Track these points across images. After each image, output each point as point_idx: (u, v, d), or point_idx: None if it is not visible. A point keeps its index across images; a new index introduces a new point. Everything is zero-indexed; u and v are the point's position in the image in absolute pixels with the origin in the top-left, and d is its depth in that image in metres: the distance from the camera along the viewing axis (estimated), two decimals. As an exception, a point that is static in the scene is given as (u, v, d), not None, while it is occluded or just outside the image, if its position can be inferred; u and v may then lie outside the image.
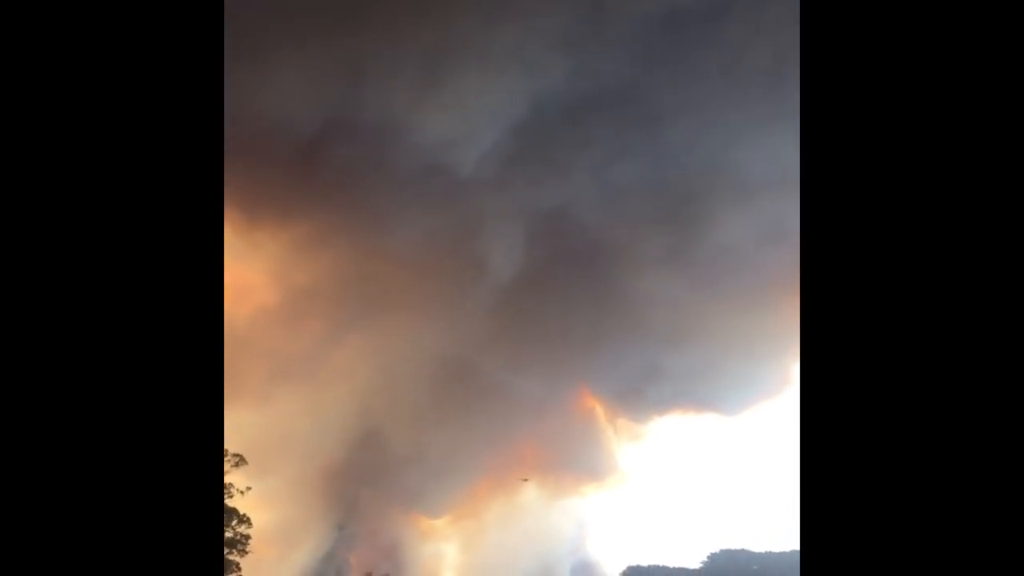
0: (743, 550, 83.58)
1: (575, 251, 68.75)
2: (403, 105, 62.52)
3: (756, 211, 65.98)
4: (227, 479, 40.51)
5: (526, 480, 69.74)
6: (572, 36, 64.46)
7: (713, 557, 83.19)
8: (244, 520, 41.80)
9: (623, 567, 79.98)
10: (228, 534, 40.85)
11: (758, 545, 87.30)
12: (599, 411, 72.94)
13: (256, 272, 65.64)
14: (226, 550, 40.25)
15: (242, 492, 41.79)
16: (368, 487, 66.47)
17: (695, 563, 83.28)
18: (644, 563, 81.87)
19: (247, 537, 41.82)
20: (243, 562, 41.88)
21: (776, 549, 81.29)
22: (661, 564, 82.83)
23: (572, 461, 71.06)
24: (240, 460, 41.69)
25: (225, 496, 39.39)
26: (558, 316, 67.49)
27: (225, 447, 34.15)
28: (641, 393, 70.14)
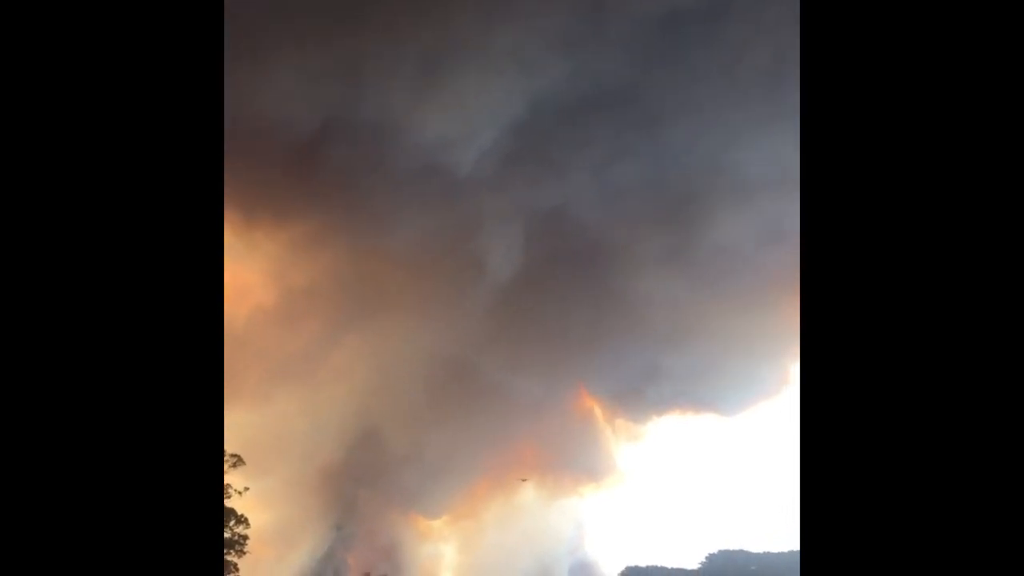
0: (741, 550, 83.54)
1: (574, 251, 68.75)
2: (402, 105, 62.55)
3: (755, 211, 66.04)
4: (225, 479, 40.46)
5: (525, 480, 69.75)
6: (571, 36, 64.52)
7: (711, 557, 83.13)
8: (242, 520, 41.77)
9: (621, 567, 79.91)
10: (226, 535, 40.81)
11: (756, 545, 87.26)
12: (597, 411, 72.97)
13: (254, 272, 65.62)
14: (224, 551, 40.23)
15: (240, 492, 41.74)
16: (366, 487, 66.47)
17: (693, 563, 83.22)
18: (642, 563, 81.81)
19: (245, 538, 41.79)
20: (241, 563, 41.85)
21: (775, 549, 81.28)
22: (659, 564, 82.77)
23: (570, 461, 71.08)
24: (238, 460, 41.65)
25: (223, 496, 39.31)
26: (557, 316, 67.51)
27: (223, 447, 34.00)
28: (640, 393, 70.15)
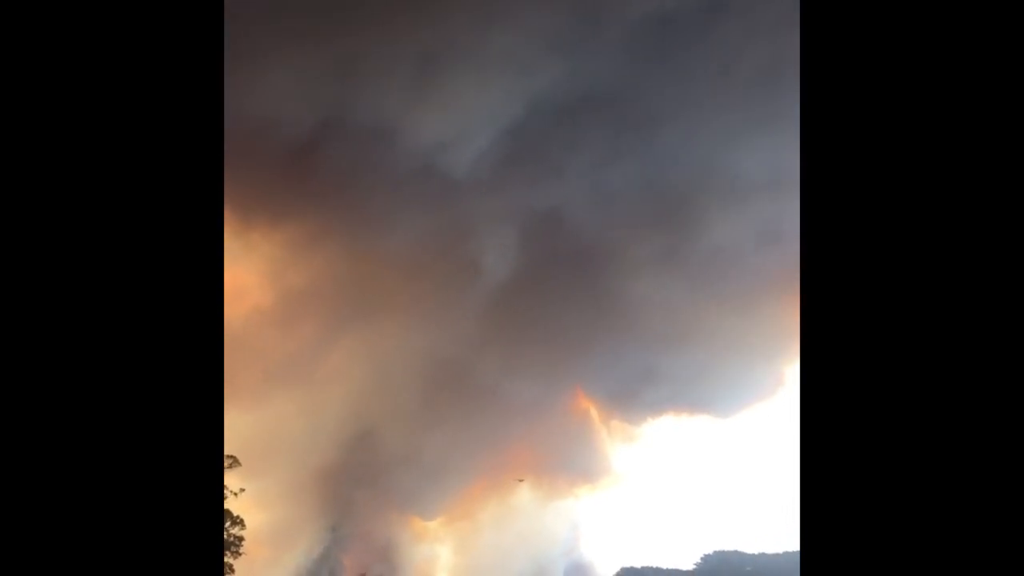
0: (736, 551, 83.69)
1: (570, 253, 68.82)
2: (398, 106, 62.60)
3: (751, 213, 66.20)
4: (221, 480, 40.35)
5: (521, 480, 69.72)
6: (567, 37, 64.61)
7: (706, 558, 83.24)
8: (238, 522, 41.69)
9: (616, 568, 79.97)
10: (222, 535, 40.76)
11: (751, 547, 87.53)
12: (593, 413, 73.00)
13: (250, 273, 65.53)
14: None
15: (236, 493, 41.67)
16: (362, 488, 66.40)
17: (688, 564, 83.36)
18: (638, 564, 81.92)
19: (241, 539, 41.72)
20: (237, 563, 41.75)
21: (770, 550, 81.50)
22: (654, 565, 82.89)
23: (566, 462, 71.08)
24: (234, 462, 41.56)
25: (219, 497, 39.19)
26: (553, 317, 67.54)
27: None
28: (635, 395, 70.22)
